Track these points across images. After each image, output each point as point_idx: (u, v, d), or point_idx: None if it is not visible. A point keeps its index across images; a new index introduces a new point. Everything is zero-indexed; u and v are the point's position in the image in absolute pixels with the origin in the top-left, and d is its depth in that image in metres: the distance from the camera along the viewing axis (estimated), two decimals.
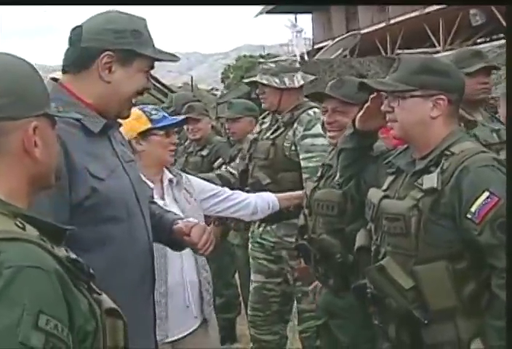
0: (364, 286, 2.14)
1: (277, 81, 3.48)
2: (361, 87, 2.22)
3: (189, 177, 2.86)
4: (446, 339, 1.97)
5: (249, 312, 3.78)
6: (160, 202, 2.54)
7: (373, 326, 2.23)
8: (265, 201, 2.98)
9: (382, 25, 18.31)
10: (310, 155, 3.37)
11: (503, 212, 1.88)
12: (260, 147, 3.59)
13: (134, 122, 2.54)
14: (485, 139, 2.83)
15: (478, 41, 15.31)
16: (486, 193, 1.89)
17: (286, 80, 3.48)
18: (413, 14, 16.93)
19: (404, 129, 2.08)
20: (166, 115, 2.66)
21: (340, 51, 16.80)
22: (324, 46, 19.23)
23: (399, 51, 16.59)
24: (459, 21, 15.54)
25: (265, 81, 3.49)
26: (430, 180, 1.97)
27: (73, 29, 1.88)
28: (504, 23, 14.11)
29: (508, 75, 2.29)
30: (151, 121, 2.59)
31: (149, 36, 1.91)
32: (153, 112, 2.63)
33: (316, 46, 21.63)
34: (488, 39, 15.23)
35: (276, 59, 3.77)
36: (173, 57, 1.96)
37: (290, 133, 3.45)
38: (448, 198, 1.94)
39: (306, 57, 18.07)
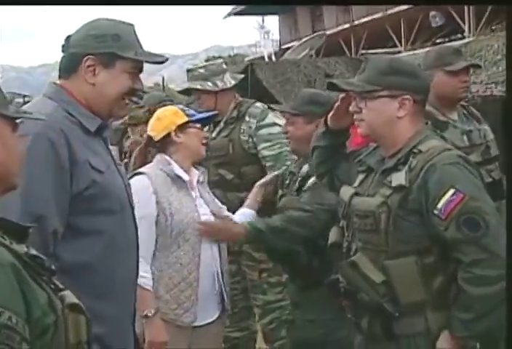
0: (337, 281, 2.19)
1: (210, 84, 3.63)
2: (329, 87, 2.26)
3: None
4: (416, 330, 2.02)
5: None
6: (192, 193, 2.80)
7: (340, 314, 2.34)
8: (246, 215, 3.07)
9: (347, 26, 18.80)
10: (269, 144, 3.51)
11: (468, 208, 1.94)
12: (214, 146, 3.63)
13: (173, 116, 2.82)
14: (454, 142, 2.75)
15: (438, 41, 15.85)
16: (452, 190, 1.94)
17: (218, 82, 3.63)
18: (376, 16, 17.40)
19: (371, 128, 2.13)
20: (194, 112, 2.89)
21: (306, 52, 17.20)
22: (291, 46, 19.64)
23: (363, 52, 17.11)
24: (419, 22, 16.02)
25: (199, 86, 3.64)
26: (399, 178, 2.02)
27: (66, 38, 2.03)
28: (461, 24, 14.69)
29: (508, 76, 2.39)
30: (187, 115, 2.83)
31: (134, 40, 2.01)
32: (186, 108, 2.91)
33: (283, 47, 22.02)
34: (447, 40, 15.81)
35: (203, 64, 3.95)
36: (158, 58, 2.04)
37: (244, 127, 3.57)
38: (416, 194, 1.99)
39: (274, 58, 18.50)
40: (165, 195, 2.69)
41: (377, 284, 2.02)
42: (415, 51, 14.90)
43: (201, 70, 3.68)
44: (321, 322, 2.72)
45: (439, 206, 1.95)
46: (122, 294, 2.00)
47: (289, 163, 3.33)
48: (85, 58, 1.96)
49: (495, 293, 1.92)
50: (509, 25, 2.34)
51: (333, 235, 2.38)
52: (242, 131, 3.59)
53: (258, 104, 3.63)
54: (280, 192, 3.02)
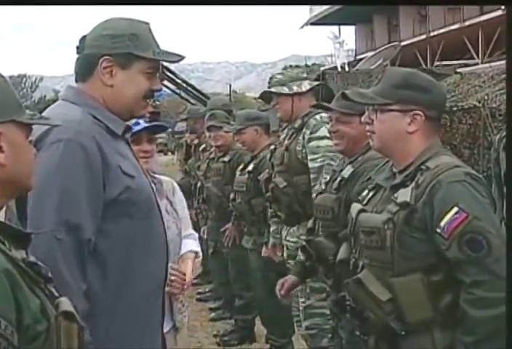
0: (343, 299, 2.16)
1: (285, 89, 3.72)
2: (343, 97, 2.22)
3: (176, 188, 2.92)
4: None
5: (294, 312, 3.91)
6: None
7: None
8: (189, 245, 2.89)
9: (423, 37, 18.64)
10: (315, 156, 3.54)
11: (471, 228, 1.89)
12: (276, 154, 3.83)
13: None
14: None
15: None
16: (455, 209, 1.90)
17: (294, 87, 3.71)
18: (453, 27, 17.21)
19: (381, 142, 2.10)
20: (140, 121, 2.65)
21: (379, 62, 17.16)
22: (366, 57, 19.65)
23: (438, 63, 16.92)
24: (498, 34, 15.76)
25: (273, 90, 3.75)
26: (404, 194, 1.98)
27: (80, 39, 1.95)
28: None
29: (508, 76, 2.33)
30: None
31: (150, 39, 1.93)
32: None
33: (358, 57, 22.00)
34: None
35: (282, 71, 4.05)
36: (176, 57, 1.98)
37: (300, 137, 3.64)
38: (421, 212, 1.94)
39: (347, 68, 18.51)
40: None
41: (383, 302, 1.97)
42: (492, 64, 14.66)
43: (280, 76, 3.80)
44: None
45: (442, 224, 1.90)
46: (149, 300, 1.94)
47: (328, 176, 3.29)
48: (101, 59, 1.89)
49: (497, 316, 1.83)
50: (509, 26, 2.27)
51: (342, 251, 2.33)
52: (298, 141, 3.65)
53: (318, 116, 3.65)
54: (318, 187, 3.04)
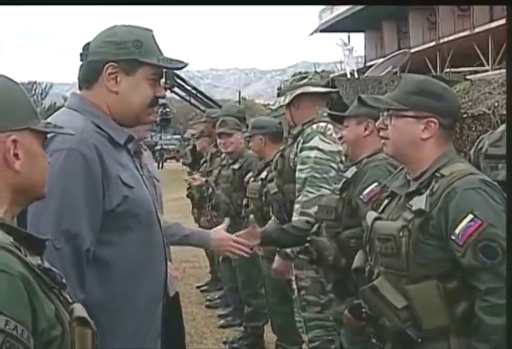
0: (359, 306, 2.16)
1: (281, 100, 3.71)
2: (360, 102, 2.25)
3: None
4: None
5: (296, 318, 3.86)
6: None
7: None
8: None
9: (432, 43, 18.63)
10: (303, 167, 3.46)
11: (486, 235, 1.89)
12: (274, 160, 3.81)
13: None
14: None
15: None
16: (470, 216, 1.90)
17: (286, 98, 3.62)
18: (462, 34, 17.19)
19: (395, 148, 2.11)
20: None
21: (389, 69, 17.20)
22: (375, 63, 19.66)
23: (447, 70, 16.90)
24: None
25: (271, 103, 3.83)
26: (419, 202, 1.99)
27: (84, 46, 1.94)
28: None
29: (508, 77, 2.32)
30: None
31: (154, 46, 1.94)
32: None
33: (367, 64, 22.01)
34: None
35: (284, 81, 4.04)
36: (179, 64, 1.98)
37: (295, 145, 3.57)
38: (436, 219, 1.95)
39: (356, 75, 18.55)
40: None
41: (399, 309, 1.98)
42: (502, 71, 14.64)
43: (282, 86, 3.87)
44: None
45: (457, 231, 1.91)
46: (148, 310, 1.94)
47: (310, 189, 3.34)
48: (106, 66, 1.89)
49: None
50: (509, 26, 2.26)
51: (357, 259, 2.37)
52: (292, 149, 3.59)
53: (315, 125, 3.55)
54: (300, 198, 3.07)
